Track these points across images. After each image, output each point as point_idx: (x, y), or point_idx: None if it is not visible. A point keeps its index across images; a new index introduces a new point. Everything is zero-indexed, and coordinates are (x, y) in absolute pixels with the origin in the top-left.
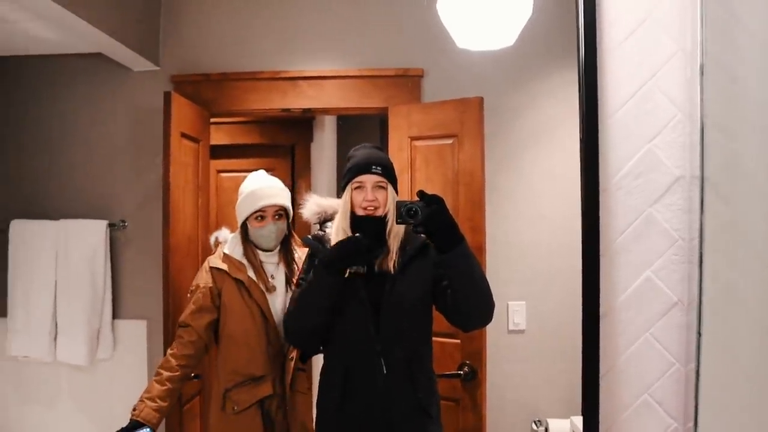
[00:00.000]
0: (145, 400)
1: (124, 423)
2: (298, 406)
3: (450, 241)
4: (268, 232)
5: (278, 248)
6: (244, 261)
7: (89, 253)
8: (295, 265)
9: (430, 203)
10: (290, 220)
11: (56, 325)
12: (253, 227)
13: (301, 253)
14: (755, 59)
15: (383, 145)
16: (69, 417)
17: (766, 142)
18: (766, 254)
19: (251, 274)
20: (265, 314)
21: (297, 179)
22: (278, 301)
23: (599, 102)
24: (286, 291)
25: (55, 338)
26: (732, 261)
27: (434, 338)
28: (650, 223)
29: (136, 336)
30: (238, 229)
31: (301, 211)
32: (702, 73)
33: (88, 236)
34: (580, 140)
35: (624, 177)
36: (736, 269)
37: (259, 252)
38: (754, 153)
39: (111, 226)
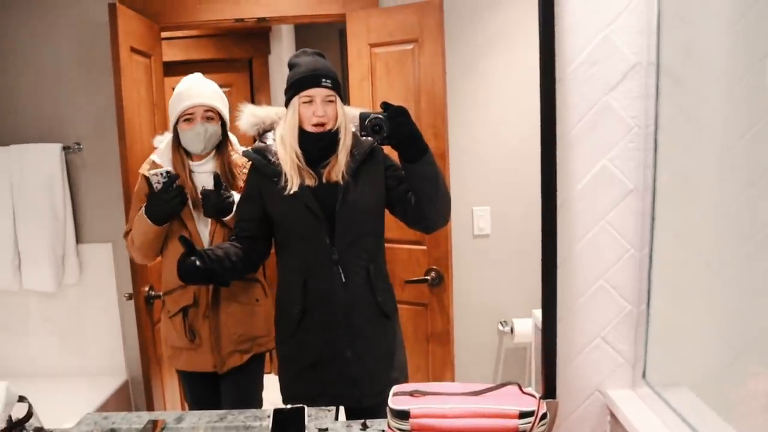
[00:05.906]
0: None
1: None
2: (234, 317)
3: (416, 151)
4: (194, 134)
5: (212, 156)
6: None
7: (46, 179)
8: (232, 175)
9: (395, 115)
10: (227, 128)
11: (19, 253)
12: (182, 130)
13: (241, 163)
14: None
15: (342, 54)
16: (41, 343)
17: (723, 28)
18: (719, 140)
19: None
20: (188, 228)
21: (256, 93)
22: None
23: None
24: None
25: (20, 267)
26: (685, 147)
27: (401, 245)
28: (606, 111)
29: (102, 259)
30: (171, 135)
31: (237, 123)
32: None
33: (43, 161)
34: (539, 27)
35: (580, 65)
36: (690, 155)
37: (190, 162)
38: (711, 39)
39: (66, 149)
